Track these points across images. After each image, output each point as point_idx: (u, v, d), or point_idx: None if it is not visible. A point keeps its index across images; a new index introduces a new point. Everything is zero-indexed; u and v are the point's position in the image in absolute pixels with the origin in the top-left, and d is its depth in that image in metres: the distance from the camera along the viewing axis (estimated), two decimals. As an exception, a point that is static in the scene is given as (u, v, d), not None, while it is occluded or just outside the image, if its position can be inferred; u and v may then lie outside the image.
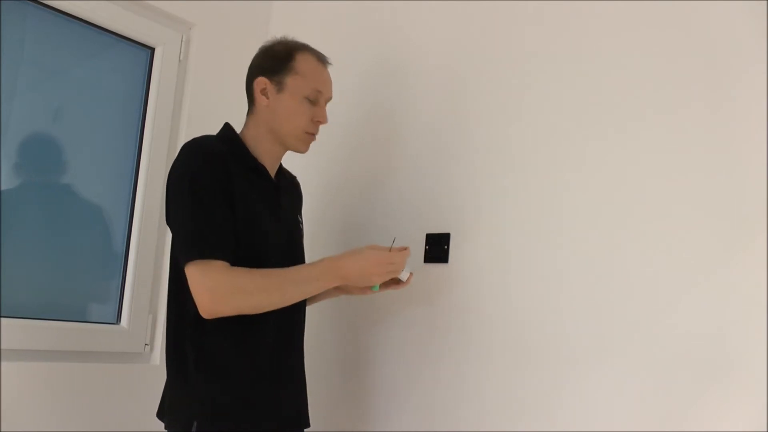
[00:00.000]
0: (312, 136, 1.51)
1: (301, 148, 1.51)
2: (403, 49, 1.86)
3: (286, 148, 1.51)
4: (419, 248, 1.70)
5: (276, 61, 1.47)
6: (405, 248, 1.42)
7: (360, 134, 1.93)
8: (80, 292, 1.86)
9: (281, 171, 1.56)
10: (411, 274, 1.48)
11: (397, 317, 1.73)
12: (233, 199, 1.33)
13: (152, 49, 2.02)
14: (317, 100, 1.48)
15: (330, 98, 1.54)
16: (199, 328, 1.33)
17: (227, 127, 1.49)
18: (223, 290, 1.26)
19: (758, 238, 1.20)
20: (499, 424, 1.48)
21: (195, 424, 1.29)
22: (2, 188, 1.69)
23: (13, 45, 1.72)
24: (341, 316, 1.85)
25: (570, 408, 1.39)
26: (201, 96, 2.04)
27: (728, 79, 1.29)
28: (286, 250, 1.46)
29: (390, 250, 1.41)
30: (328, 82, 1.52)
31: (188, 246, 1.28)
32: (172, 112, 2.01)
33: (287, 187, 1.56)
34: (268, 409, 1.37)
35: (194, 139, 1.40)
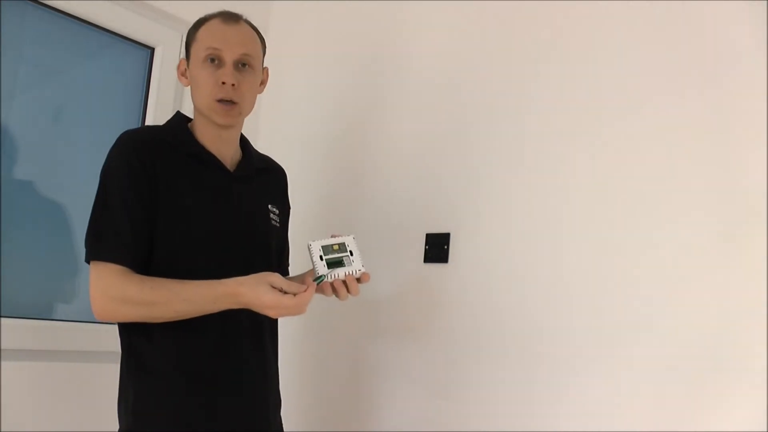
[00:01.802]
0: (226, 104, 1.32)
1: (218, 119, 1.33)
2: (402, 49, 1.86)
3: (216, 126, 1.35)
4: (419, 248, 1.70)
5: (188, 37, 1.38)
6: (305, 290, 1.20)
7: (360, 134, 1.93)
8: (81, 291, 1.86)
9: (248, 159, 1.43)
10: (349, 275, 1.28)
11: (396, 317, 1.73)
12: (157, 193, 1.26)
13: (152, 49, 2.02)
14: (221, 59, 1.31)
15: (241, 56, 1.33)
16: (131, 329, 1.28)
17: (176, 114, 1.43)
18: (112, 298, 1.21)
19: (758, 238, 1.21)
20: (500, 423, 1.48)
21: (125, 428, 1.26)
22: (2, 188, 1.69)
23: (13, 45, 1.72)
24: (340, 315, 1.85)
25: (570, 407, 1.39)
26: (201, 96, 2.04)
27: (728, 79, 1.29)
28: (235, 244, 1.33)
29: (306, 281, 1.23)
30: (228, 38, 1.32)
31: (88, 245, 1.25)
32: (172, 111, 2.00)
33: (252, 177, 1.42)
34: (199, 417, 1.26)
35: (127, 130, 1.33)
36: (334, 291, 1.29)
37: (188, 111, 1.45)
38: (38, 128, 1.78)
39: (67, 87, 1.86)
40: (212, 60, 1.32)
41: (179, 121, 1.41)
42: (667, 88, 1.36)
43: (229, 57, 1.32)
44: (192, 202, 1.30)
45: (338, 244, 1.30)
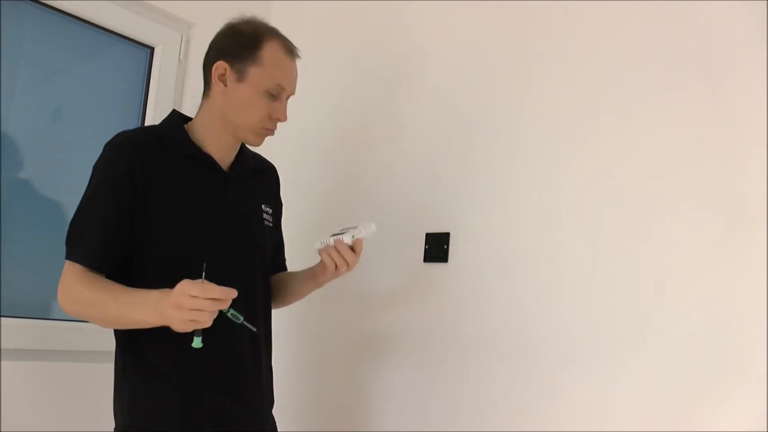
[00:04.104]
0: (269, 131, 1.38)
1: (255, 141, 1.39)
2: (402, 50, 1.86)
3: (239, 139, 1.39)
4: (419, 248, 1.70)
5: (240, 47, 1.34)
6: (231, 291, 1.12)
7: (359, 134, 1.93)
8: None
9: (242, 159, 1.43)
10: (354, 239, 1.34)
11: (396, 316, 1.73)
12: (145, 197, 1.25)
13: (152, 49, 2.02)
14: (278, 95, 1.36)
15: (293, 94, 1.41)
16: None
17: (172, 113, 1.42)
18: (66, 296, 1.24)
19: (758, 238, 1.20)
20: (499, 423, 1.48)
21: (121, 426, 1.27)
22: (2, 188, 1.69)
23: (13, 45, 1.72)
24: (338, 313, 1.85)
25: (570, 407, 1.39)
26: (200, 95, 2.04)
27: (728, 79, 1.29)
28: (230, 245, 1.33)
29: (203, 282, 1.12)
30: (292, 77, 1.38)
31: (65, 244, 1.28)
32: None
33: (247, 177, 1.42)
34: (195, 416, 1.26)
35: (120, 132, 1.33)
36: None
37: (188, 110, 1.44)
38: (38, 128, 1.79)
39: (67, 87, 1.86)
40: (273, 93, 1.35)
41: (175, 120, 1.40)
42: (666, 87, 1.36)
43: (286, 94, 1.38)
44: (186, 204, 1.30)
45: (354, 226, 1.38)
